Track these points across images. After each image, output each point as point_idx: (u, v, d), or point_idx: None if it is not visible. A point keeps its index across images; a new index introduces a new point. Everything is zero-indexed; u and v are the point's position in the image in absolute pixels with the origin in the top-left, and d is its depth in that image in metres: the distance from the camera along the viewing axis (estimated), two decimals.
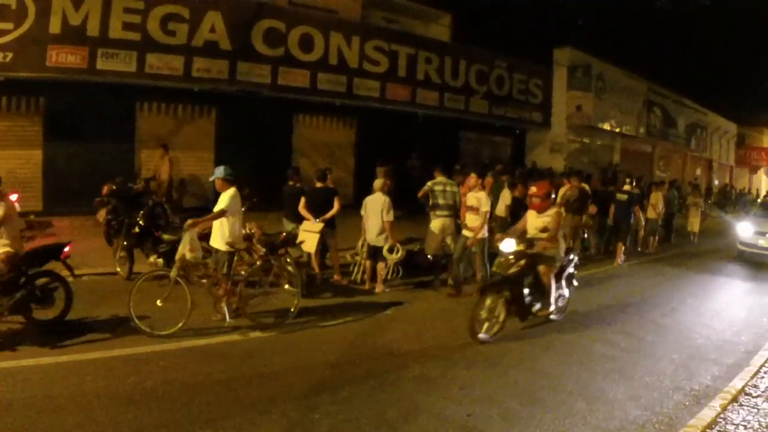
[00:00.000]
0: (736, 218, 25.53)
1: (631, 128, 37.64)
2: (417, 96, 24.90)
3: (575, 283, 11.90)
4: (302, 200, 13.41)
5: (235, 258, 11.19)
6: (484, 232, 13.13)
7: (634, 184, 20.88)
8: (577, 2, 32.63)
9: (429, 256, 14.47)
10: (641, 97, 38.50)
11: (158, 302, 9.45)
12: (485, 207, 12.96)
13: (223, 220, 10.24)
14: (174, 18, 18.61)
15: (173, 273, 9.66)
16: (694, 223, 25.33)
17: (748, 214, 24.04)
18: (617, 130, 36.14)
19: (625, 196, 19.23)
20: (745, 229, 20.52)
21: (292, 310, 10.60)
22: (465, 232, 13.41)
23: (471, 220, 13.20)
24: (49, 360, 8.10)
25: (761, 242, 19.54)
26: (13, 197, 15.77)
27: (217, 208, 10.28)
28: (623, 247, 18.89)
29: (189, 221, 10.08)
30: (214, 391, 7.39)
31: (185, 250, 9.72)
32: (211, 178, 10.74)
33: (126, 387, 7.37)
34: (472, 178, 13.43)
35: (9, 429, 6.19)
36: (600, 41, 32.83)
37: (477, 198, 13.06)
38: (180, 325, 9.31)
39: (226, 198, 10.28)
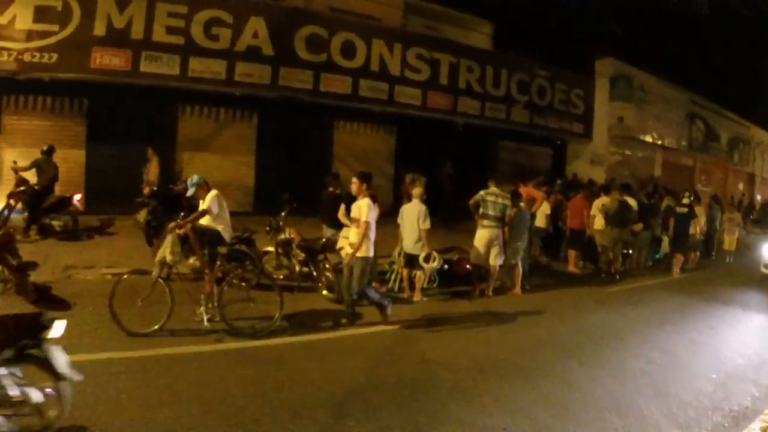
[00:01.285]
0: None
1: (673, 141, 37.25)
2: (458, 104, 24.77)
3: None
4: (341, 207, 13.37)
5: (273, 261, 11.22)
6: (367, 250, 10.81)
7: (692, 198, 20.63)
8: (618, 13, 32.39)
9: (468, 266, 14.38)
10: (683, 109, 38.09)
11: (138, 302, 9.33)
12: (365, 216, 10.66)
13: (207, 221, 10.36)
14: (217, 23, 18.76)
15: (154, 274, 9.64)
16: (730, 241, 23.30)
17: None
18: (659, 142, 35.78)
19: (684, 209, 19.28)
20: None
21: (276, 316, 10.30)
22: (344, 249, 12.61)
23: (352, 234, 11.13)
24: (81, 357, 8.11)
25: None
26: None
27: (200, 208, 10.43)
28: (682, 259, 19.12)
29: (171, 224, 10.08)
30: (246, 394, 7.33)
31: (166, 252, 9.68)
32: (189, 192, 10.79)
33: (158, 387, 7.34)
34: (354, 184, 11.17)
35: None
36: (642, 52, 32.54)
37: (358, 207, 10.97)
38: (157, 326, 9.23)
39: (207, 199, 10.40)
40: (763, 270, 18.42)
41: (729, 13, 33.20)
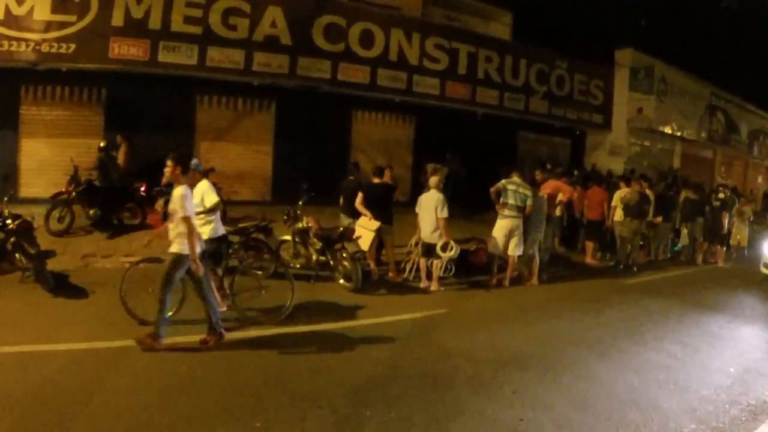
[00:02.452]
0: None
1: (693, 132, 36.93)
2: (477, 94, 24.62)
3: None
4: (359, 196, 13.35)
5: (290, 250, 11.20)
6: (180, 245, 8.58)
7: (728, 192, 20.98)
8: (639, 3, 32.17)
9: (484, 256, 14.36)
10: (704, 101, 37.76)
11: (150, 290, 9.11)
12: (181, 211, 8.47)
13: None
14: (235, 12, 18.72)
15: None
16: (740, 236, 21.27)
17: None
18: (678, 134, 35.48)
19: (718, 203, 19.63)
20: None
21: (287, 305, 10.32)
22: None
23: (170, 230, 8.83)
24: (102, 345, 8.13)
25: None
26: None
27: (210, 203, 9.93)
28: (723, 250, 19.83)
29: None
30: (265, 383, 7.37)
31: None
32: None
33: (178, 375, 7.39)
34: (168, 167, 8.77)
35: (59, 408, 6.24)
36: (663, 43, 32.24)
37: (173, 198, 8.75)
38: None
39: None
40: (763, 270, 17.25)
41: (753, 3, 32.91)
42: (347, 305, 11.24)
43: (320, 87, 20.51)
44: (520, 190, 13.70)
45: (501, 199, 13.74)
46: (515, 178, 13.86)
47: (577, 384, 8.16)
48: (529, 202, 13.74)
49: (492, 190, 13.92)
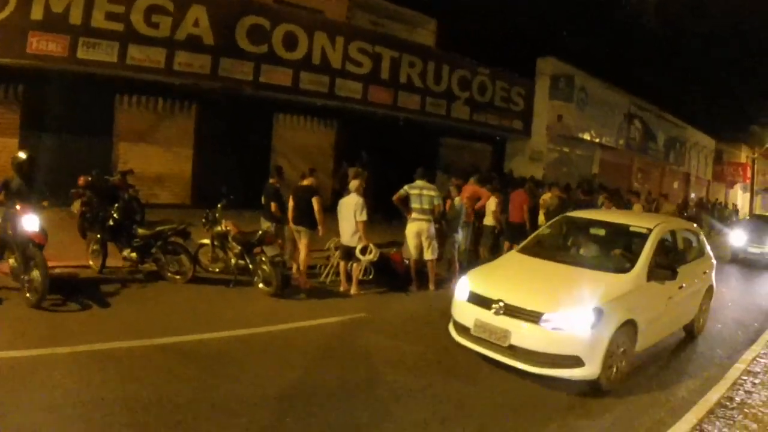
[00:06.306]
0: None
1: (612, 140, 37.81)
2: (399, 99, 24.86)
3: None
4: (274, 202, 13.42)
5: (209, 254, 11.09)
6: None
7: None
8: (561, 14, 32.77)
9: (405, 261, 14.42)
10: (622, 109, 38.74)
11: None
12: None
13: None
14: (158, 10, 18.50)
15: None
16: None
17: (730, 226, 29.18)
18: (597, 141, 36.27)
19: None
20: (738, 237, 25.02)
21: None
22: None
23: None
24: (13, 354, 7.94)
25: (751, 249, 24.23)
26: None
27: None
28: None
29: None
30: (184, 393, 7.20)
31: None
32: None
33: (92, 385, 7.20)
34: None
35: None
36: (584, 53, 32.96)
37: None
38: None
39: None
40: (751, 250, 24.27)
41: (669, 20, 33.84)
42: (267, 310, 11.17)
43: (242, 89, 20.42)
44: (425, 192, 13.72)
45: (411, 205, 13.81)
46: (418, 182, 13.90)
47: (501, 385, 8.29)
48: (436, 202, 13.80)
49: (395, 198, 13.91)
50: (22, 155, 11.22)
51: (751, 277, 21.87)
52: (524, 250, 10.64)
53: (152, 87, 19.43)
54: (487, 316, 8.45)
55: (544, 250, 10.63)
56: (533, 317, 8.01)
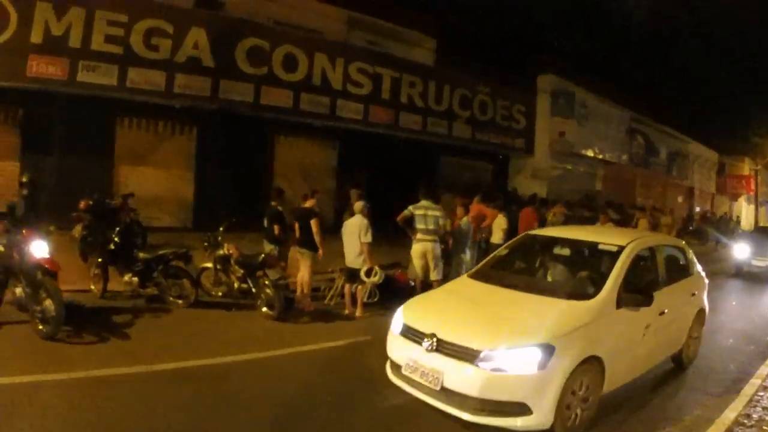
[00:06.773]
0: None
1: (614, 155, 37.80)
2: (400, 119, 24.86)
3: None
4: (276, 225, 13.29)
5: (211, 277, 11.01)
6: None
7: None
8: (561, 30, 32.82)
9: (411, 282, 14.29)
10: (624, 124, 38.76)
11: None
12: None
13: None
14: (157, 33, 18.55)
15: None
16: None
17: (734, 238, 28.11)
18: (600, 156, 36.22)
19: None
20: (742, 250, 24.10)
21: None
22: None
23: None
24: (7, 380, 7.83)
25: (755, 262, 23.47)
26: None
27: None
28: None
29: None
30: (183, 419, 7.10)
31: None
32: None
33: (88, 410, 7.08)
34: None
35: None
36: (584, 69, 33.00)
37: None
38: None
39: None
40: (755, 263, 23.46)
41: (670, 34, 33.89)
42: (269, 334, 11.04)
43: (242, 110, 20.41)
44: (429, 212, 13.56)
45: (416, 225, 13.67)
46: (423, 202, 13.76)
47: None
48: (441, 222, 13.67)
49: (399, 219, 13.71)
50: (26, 179, 11.15)
51: (755, 292, 20.68)
52: (475, 275, 9.22)
53: (152, 109, 19.43)
54: (418, 352, 7.20)
55: (497, 273, 9.19)
56: (469, 355, 6.71)
